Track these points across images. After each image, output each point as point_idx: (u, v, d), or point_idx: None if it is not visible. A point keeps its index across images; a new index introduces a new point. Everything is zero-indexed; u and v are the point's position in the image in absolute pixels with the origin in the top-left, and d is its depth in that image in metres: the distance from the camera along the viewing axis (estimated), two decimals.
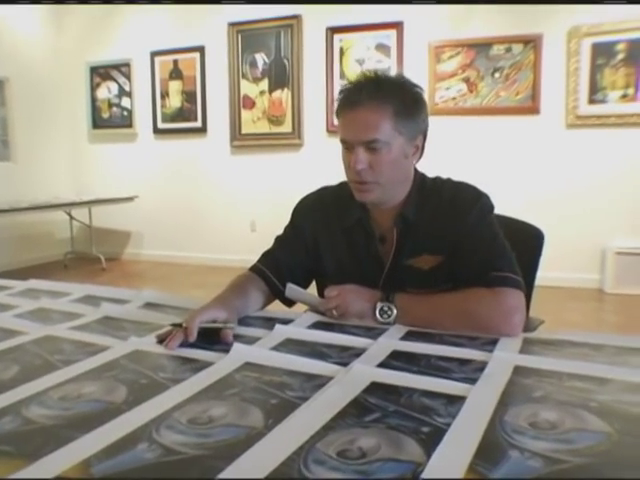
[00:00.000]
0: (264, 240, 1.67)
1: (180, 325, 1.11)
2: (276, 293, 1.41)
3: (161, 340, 1.10)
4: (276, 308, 1.41)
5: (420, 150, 1.33)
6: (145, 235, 6.39)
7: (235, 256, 5.46)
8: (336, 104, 1.30)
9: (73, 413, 0.79)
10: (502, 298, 1.18)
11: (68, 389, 0.87)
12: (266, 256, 1.46)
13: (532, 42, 4.61)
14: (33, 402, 0.82)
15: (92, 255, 6.07)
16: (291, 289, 1.34)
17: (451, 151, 4.72)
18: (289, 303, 1.44)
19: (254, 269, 1.44)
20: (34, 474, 0.62)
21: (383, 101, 1.22)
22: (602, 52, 4.47)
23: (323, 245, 1.43)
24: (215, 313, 1.16)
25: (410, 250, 1.33)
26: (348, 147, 1.27)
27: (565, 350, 1.07)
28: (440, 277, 1.31)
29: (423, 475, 0.61)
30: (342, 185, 1.43)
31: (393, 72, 1.36)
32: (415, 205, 1.33)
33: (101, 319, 1.30)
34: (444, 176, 1.41)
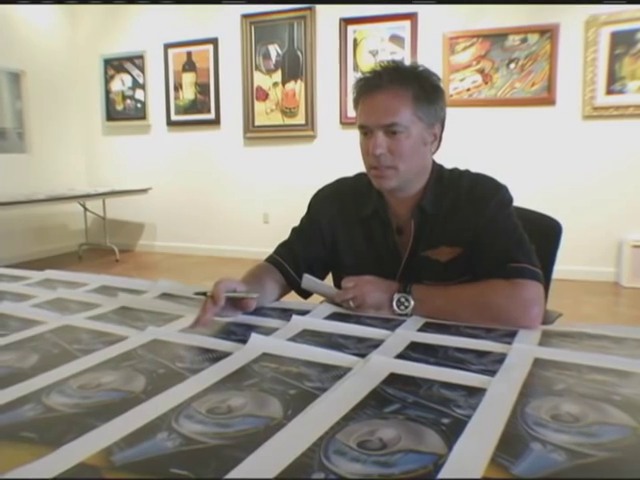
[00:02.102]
0: (277, 232, 1.67)
1: (204, 294, 1.14)
2: (292, 284, 1.41)
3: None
4: (292, 299, 1.40)
5: (438, 139, 1.32)
6: (158, 227, 6.42)
7: (248, 248, 5.48)
8: (354, 93, 1.30)
9: (93, 402, 0.79)
10: (520, 290, 1.17)
11: (87, 378, 0.88)
12: (282, 247, 1.46)
13: (548, 32, 4.55)
14: (53, 390, 0.82)
15: (106, 246, 6.12)
16: (308, 280, 1.34)
17: (466, 143, 4.68)
18: (305, 294, 1.43)
19: (270, 260, 1.43)
20: (57, 461, 0.62)
21: (403, 86, 1.23)
22: (621, 41, 4.40)
23: (340, 236, 1.42)
24: (236, 284, 1.19)
25: (428, 242, 1.32)
26: (367, 132, 1.27)
27: (585, 343, 1.06)
28: (457, 269, 1.30)
29: (445, 466, 0.61)
30: (359, 176, 1.43)
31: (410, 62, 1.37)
32: (433, 196, 1.32)
33: (118, 309, 1.30)
34: (461, 167, 1.40)
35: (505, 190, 1.31)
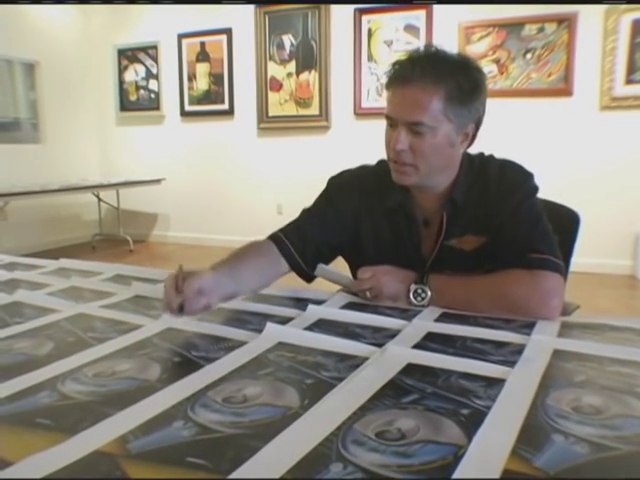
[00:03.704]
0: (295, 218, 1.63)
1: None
2: (294, 266, 1.33)
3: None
4: (307, 288, 1.38)
5: (470, 138, 1.25)
6: (172, 217, 6.44)
7: (261, 239, 5.46)
8: (386, 77, 1.21)
9: (108, 390, 0.79)
10: (541, 280, 1.15)
11: (102, 366, 0.87)
12: (291, 226, 1.37)
13: (566, 21, 4.48)
14: (68, 378, 0.82)
15: (119, 237, 6.15)
16: (322, 269, 1.32)
17: (481, 134, 4.62)
18: (308, 278, 1.37)
19: (274, 238, 1.34)
20: (73, 448, 0.62)
21: (436, 81, 1.14)
22: None
23: (364, 227, 1.36)
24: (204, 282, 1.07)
25: (455, 231, 1.28)
26: (392, 124, 1.21)
27: (605, 334, 1.04)
28: (482, 258, 1.25)
29: (466, 457, 0.59)
30: (381, 164, 1.36)
31: (454, 50, 1.23)
32: (465, 187, 1.27)
33: (132, 298, 1.29)
34: (486, 152, 1.35)
35: (532, 178, 1.27)
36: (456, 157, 1.26)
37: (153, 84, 6.24)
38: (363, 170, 1.42)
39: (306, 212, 1.40)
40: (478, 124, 1.24)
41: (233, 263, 1.20)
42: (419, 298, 1.20)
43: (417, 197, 1.31)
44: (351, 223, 1.37)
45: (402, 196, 1.30)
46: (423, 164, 1.20)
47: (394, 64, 1.19)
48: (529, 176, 1.28)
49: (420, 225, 1.31)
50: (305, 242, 1.33)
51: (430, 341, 0.98)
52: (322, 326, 1.07)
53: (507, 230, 1.23)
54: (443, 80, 1.14)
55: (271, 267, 1.30)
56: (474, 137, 1.26)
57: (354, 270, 1.37)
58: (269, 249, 1.31)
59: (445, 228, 1.27)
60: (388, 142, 1.22)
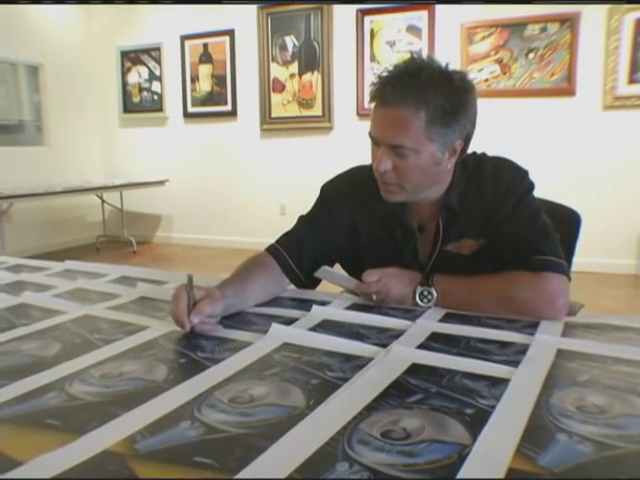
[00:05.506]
0: (294, 223, 1.65)
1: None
2: (292, 278, 1.34)
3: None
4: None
5: (459, 153, 1.21)
6: (175, 218, 6.45)
7: (264, 239, 5.42)
8: (370, 91, 1.19)
9: (115, 391, 0.79)
10: (545, 283, 1.14)
11: (109, 367, 0.88)
12: (287, 237, 1.38)
13: (569, 21, 4.48)
14: (76, 379, 0.83)
15: (123, 238, 6.16)
16: (325, 271, 1.32)
17: (483, 134, 4.62)
18: (308, 287, 1.38)
19: (271, 250, 1.36)
20: (82, 448, 0.63)
21: (417, 104, 1.11)
22: None
23: (361, 232, 1.35)
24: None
25: (452, 236, 1.27)
26: (376, 142, 1.20)
27: (609, 334, 1.04)
28: (481, 262, 1.25)
29: (470, 456, 0.60)
30: None
31: (443, 61, 1.19)
32: (459, 190, 1.26)
33: (138, 299, 1.30)
34: (478, 151, 1.33)
35: (527, 176, 1.26)
36: (444, 172, 1.23)
37: (156, 86, 6.25)
38: (357, 174, 1.40)
39: (302, 220, 1.41)
40: (467, 139, 1.21)
41: (240, 284, 1.21)
42: (425, 300, 1.20)
43: (411, 205, 1.29)
44: (348, 230, 1.36)
45: (395, 204, 1.28)
46: (408, 184, 1.19)
47: (377, 78, 1.17)
48: (524, 174, 1.27)
49: (415, 232, 1.30)
50: (302, 254, 1.34)
51: (434, 341, 0.99)
52: (327, 327, 1.08)
53: (507, 232, 1.22)
54: (425, 101, 1.11)
55: (275, 284, 1.33)
56: (464, 150, 1.23)
57: (353, 276, 1.34)
58: (272, 266, 1.32)
59: (443, 233, 1.27)
60: (373, 161, 1.22)
